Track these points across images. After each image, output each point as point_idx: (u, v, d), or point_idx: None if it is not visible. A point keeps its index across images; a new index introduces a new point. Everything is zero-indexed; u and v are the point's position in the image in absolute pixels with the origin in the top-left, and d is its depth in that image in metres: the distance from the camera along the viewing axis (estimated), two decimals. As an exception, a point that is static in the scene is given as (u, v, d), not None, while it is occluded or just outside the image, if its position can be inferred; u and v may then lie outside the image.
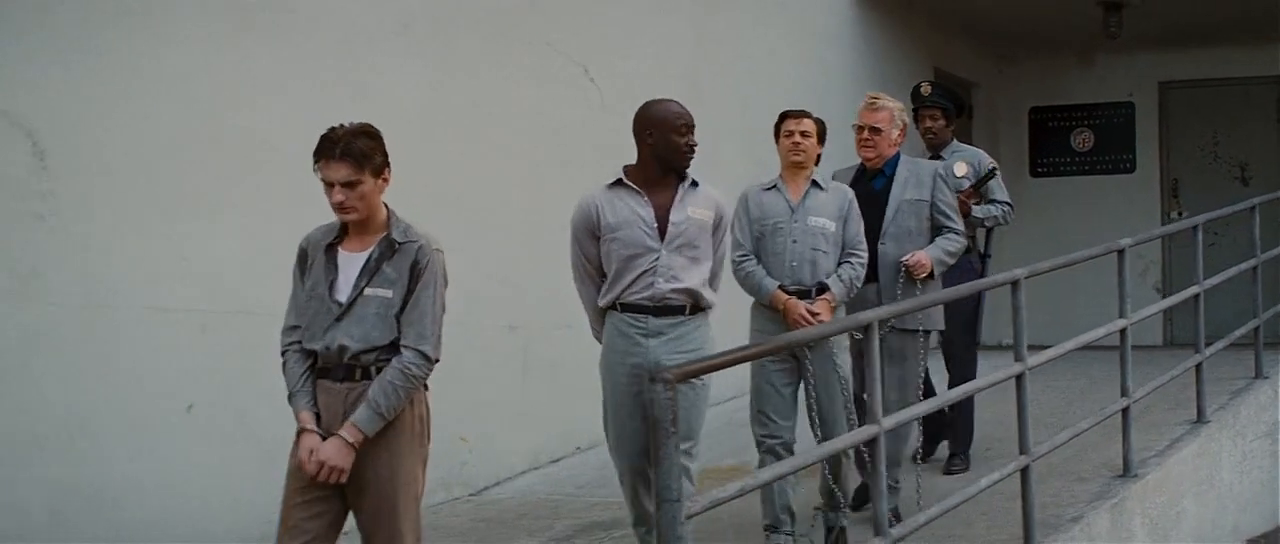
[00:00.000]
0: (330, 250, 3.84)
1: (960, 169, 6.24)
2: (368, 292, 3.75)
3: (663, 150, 4.48)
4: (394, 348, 3.75)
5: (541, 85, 6.77)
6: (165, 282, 5.06)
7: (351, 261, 3.80)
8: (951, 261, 5.42)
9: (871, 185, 5.42)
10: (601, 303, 4.57)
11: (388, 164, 3.81)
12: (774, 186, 5.15)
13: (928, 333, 5.41)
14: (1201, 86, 11.76)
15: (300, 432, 3.77)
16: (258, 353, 5.24)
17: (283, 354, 3.86)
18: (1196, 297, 6.95)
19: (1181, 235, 11.70)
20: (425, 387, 3.88)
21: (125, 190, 4.92)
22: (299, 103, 5.45)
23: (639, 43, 7.50)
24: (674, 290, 4.45)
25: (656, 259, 4.44)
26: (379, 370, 3.73)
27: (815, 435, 5.01)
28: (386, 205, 3.86)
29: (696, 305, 4.51)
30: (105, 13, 4.89)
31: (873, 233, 5.25)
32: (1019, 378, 5.00)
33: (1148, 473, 5.99)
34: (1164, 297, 11.07)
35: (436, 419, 3.92)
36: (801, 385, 5.07)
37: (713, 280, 4.62)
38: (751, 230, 5.11)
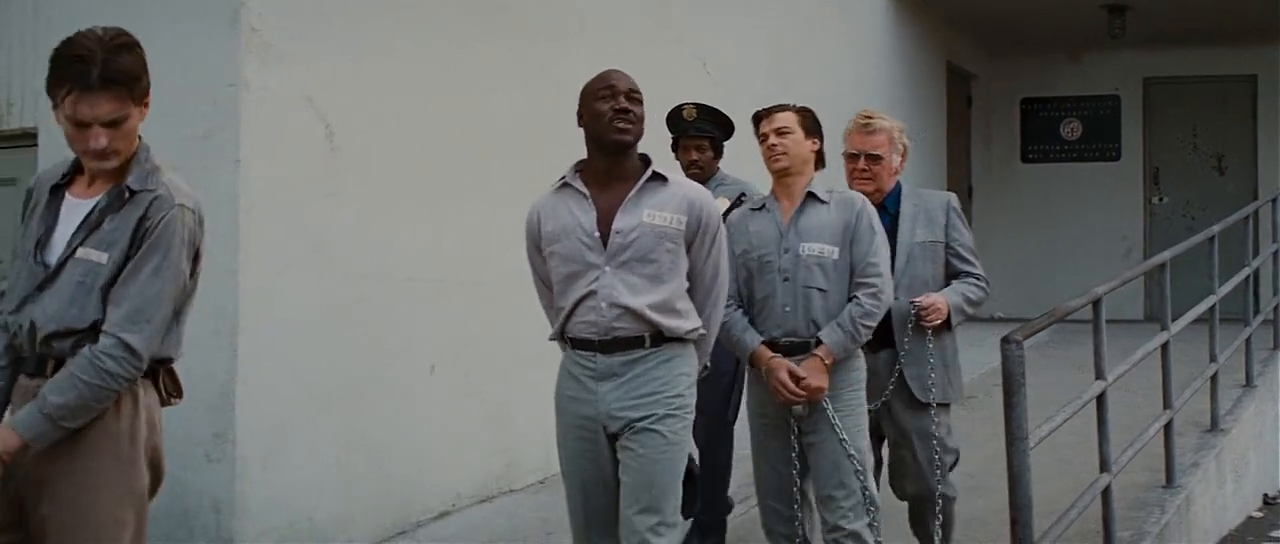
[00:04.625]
0: (56, 193, 2.88)
1: (725, 204, 4.80)
2: (80, 253, 2.78)
3: (591, 127, 3.58)
4: (97, 332, 2.76)
5: (674, 75, 7.40)
6: (420, 254, 5.58)
7: (75, 211, 2.84)
8: (972, 311, 4.32)
9: None
10: (550, 336, 3.69)
11: (149, 83, 2.79)
12: (763, 206, 4.08)
13: (943, 406, 4.25)
14: (1183, 83, 12.67)
15: None
16: (484, 320, 5.87)
17: None
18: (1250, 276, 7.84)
19: (1161, 218, 12.76)
20: (169, 396, 2.91)
21: (397, 171, 5.43)
22: (517, 94, 6.02)
23: (739, 42, 8.17)
24: (620, 316, 3.46)
25: (598, 277, 3.49)
26: None
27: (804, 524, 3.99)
28: (140, 138, 2.86)
29: (659, 335, 3.50)
30: (387, 16, 5.39)
31: None
32: (1165, 346, 5.82)
33: (1230, 428, 6.90)
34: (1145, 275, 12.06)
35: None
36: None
37: (706, 301, 3.60)
38: (738, 268, 3.98)
